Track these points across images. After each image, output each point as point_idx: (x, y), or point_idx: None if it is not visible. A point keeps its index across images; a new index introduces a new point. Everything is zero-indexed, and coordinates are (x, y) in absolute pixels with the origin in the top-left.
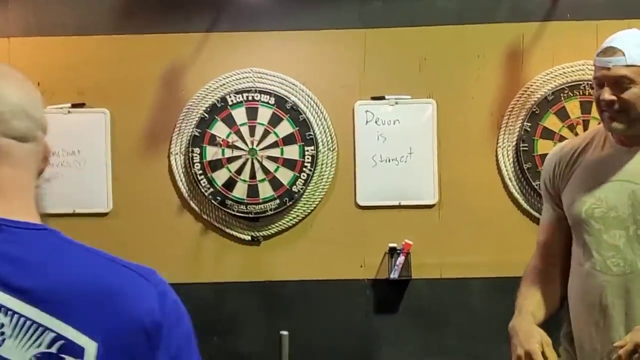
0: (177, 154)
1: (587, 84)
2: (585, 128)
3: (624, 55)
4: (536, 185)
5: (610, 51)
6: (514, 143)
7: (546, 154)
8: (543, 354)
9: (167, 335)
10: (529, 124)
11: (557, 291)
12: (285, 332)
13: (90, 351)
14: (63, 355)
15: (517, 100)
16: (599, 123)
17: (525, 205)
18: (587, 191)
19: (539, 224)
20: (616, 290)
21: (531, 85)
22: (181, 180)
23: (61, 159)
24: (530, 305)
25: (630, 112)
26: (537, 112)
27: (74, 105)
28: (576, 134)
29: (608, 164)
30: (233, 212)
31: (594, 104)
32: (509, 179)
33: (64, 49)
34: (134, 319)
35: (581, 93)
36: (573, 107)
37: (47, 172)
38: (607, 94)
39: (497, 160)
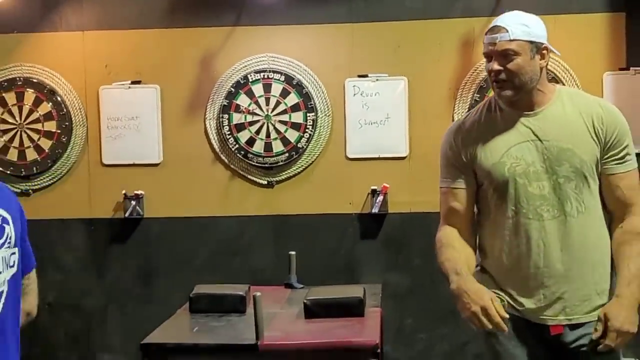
0: (210, 119)
1: None
2: None
3: (507, 31)
4: None
5: (497, 29)
6: (466, 110)
7: None
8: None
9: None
10: (478, 95)
11: (473, 252)
12: (293, 252)
13: (8, 218)
14: (3, 225)
15: (469, 78)
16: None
17: None
18: (505, 153)
19: None
20: (553, 231)
21: (479, 66)
22: (214, 139)
23: (123, 123)
24: (464, 267)
25: (515, 79)
26: (484, 86)
27: (133, 82)
28: None
29: (512, 129)
30: (253, 163)
31: None
32: None
33: (126, 39)
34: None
35: None
36: None
37: (113, 133)
38: (495, 65)
39: (453, 122)
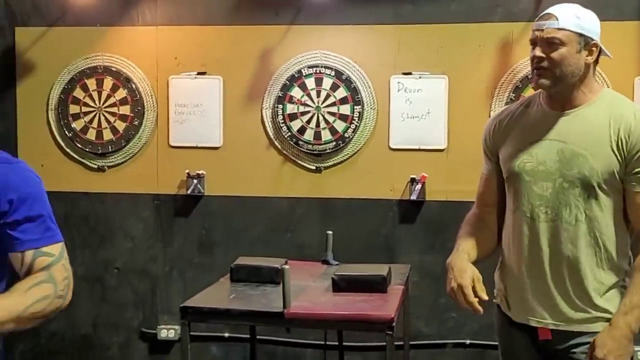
0: (266, 108)
1: None
2: None
3: (557, 19)
4: None
5: (546, 16)
6: (502, 107)
7: None
8: (474, 288)
9: None
10: (514, 95)
11: (491, 237)
12: (330, 232)
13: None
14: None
15: (506, 78)
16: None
17: None
18: (521, 149)
19: None
20: (543, 234)
21: (516, 67)
22: (269, 127)
23: (189, 109)
24: (466, 246)
25: (555, 69)
26: (520, 86)
27: (199, 73)
28: None
29: (540, 126)
30: (303, 150)
31: None
32: None
33: (194, 34)
34: None
35: None
36: None
37: (180, 118)
38: (538, 51)
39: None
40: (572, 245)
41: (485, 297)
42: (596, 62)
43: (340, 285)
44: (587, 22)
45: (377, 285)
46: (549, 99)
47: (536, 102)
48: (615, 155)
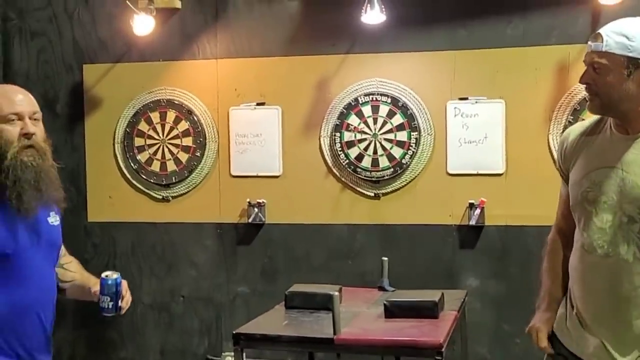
0: (324, 136)
1: None
2: None
3: (602, 41)
4: None
5: (595, 37)
6: (561, 131)
7: None
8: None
9: None
10: (572, 117)
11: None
12: (385, 258)
13: None
14: None
15: (564, 100)
16: None
17: None
18: (586, 174)
19: None
20: (599, 269)
21: (574, 89)
22: (327, 155)
23: (249, 139)
24: (547, 298)
25: (602, 96)
26: (578, 108)
27: (258, 104)
28: None
29: (607, 150)
30: (361, 177)
31: None
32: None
33: (253, 66)
34: None
35: None
36: None
37: (240, 148)
38: (584, 77)
39: (548, 143)
40: (631, 284)
41: (544, 345)
42: None
43: (392, 311)
44: (637, 41)
45: (428, 310)
46: (614, 121)
47: (606, 122)
48: None
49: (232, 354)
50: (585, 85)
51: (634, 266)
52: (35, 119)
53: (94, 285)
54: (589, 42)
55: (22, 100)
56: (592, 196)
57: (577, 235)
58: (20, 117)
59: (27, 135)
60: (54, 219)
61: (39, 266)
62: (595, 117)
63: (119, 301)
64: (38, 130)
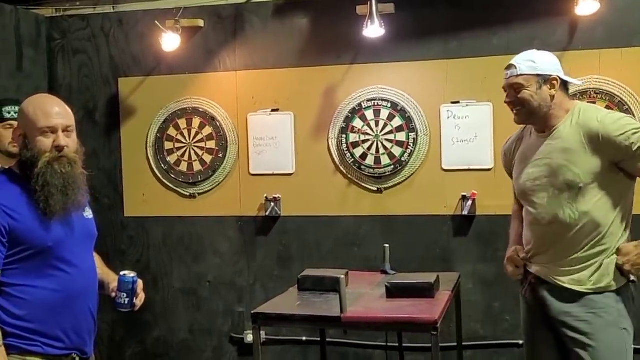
0: (332, 138)
1: (592, 91)
2: None
3: (516, 68)
4: None
5: (509, 66)
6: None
7: None
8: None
9: None
10: None
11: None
12: (387, 245)
13: None
14: None
15: None
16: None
17: None
18: (522, 170)
19: None
20: (544, 234)
21: None
22: (335, 154)
23: (265, 142)
24: (514, 239)
25: (525, 108)
26: None
27: (272, 110)
28: None
29: (532, 149)
30: (366, 173)
31: (597, 103)
32: None
33: (268, 76)
34: None
35: (588, 96)
36: None
37: (257, 150)
38: (507, 97)
39: None
40: (571, 236)
41: (523, 254)
42: (565, 87)
43: (393, 291)
44: (541, 63)
45: (425, 291)
46: (534, 127)
47: (529, 129)
48: (595, 157)
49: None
50: (511, 104)
51: (571, 225)
52: (68, 132)
53: (113, 281)
54: (506, 72)
55: (58, 113)
56: (529, 184)
57: (525, 214)
58: (54, 131)
59: (58, 148)
60: (88, 213)
61: (78, 255)
62: (520, 128)
63: (134, 298)
64: (70, 141)
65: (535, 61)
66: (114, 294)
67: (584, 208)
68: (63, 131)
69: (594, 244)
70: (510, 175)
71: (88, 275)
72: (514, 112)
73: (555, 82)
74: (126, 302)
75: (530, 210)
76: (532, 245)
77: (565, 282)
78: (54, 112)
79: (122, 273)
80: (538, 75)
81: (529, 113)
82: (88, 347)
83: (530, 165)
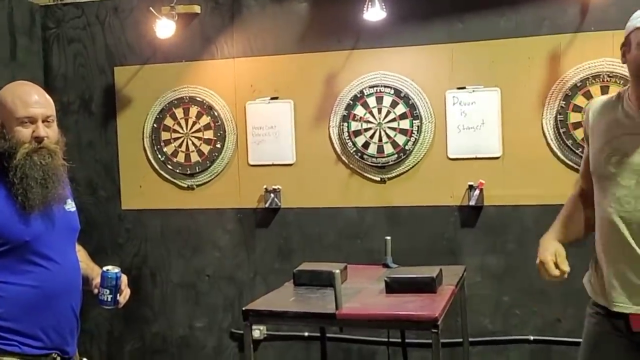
0: (333, 126)
1: (606, 74)
2: None
3: None
4: (569, 143)
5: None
6: (554, 115)
7: (576, 122)
8: (556, 264)
9: None
10: (564, 102)
11: (582, 218)
12: (388, 237)
13: None
14: None
15: (556, 86)
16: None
17: (561, 156)
18: (608, 142)
19: (571, 170)
20: (627, 222)
21: (566, 76)
22: (336, 143)
23: (264, 131)
24: (558, 225)
25: None
26: (569, 94)
27: (272, 98)
28: None
29: (626, 122)
30: (368, 163)
31: (610, 88)
32: (550, 139)
33: (266, 63)
34: None
35: (601, 80)
36: (595, 90)
37: (256, 139)
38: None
39: (542, 126)
40: None
41: (566, 269)
42: None
43: (392, 286)
44: None
45: (426, 286)
46: (637, 100)
47: (624, 98)
48: None
49: (253, 327)
50: None
51: None
52: (48, 122)
53: (97, 276)
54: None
55: (37, 102)
56: (615, 160)
57: (597, 197)
58: (33, 121)
59: (38, 139)
60: (70, 206)
61: (59, 250)
62: (614, 92)
63: (118, 295)
64: (50, 131)
65: None
66: (96, 290)
67: None
68: (43, 121)
69: None
70: (587, 141)
71: (70, 271)
72: None
73: None
74: (109, 299)
75: (608, 193)
76: (608, 257)
77: None
78: (33, 100)
79: (104, 268)
80: None
81: None
82: (70, 347)
83: (622, 140)
